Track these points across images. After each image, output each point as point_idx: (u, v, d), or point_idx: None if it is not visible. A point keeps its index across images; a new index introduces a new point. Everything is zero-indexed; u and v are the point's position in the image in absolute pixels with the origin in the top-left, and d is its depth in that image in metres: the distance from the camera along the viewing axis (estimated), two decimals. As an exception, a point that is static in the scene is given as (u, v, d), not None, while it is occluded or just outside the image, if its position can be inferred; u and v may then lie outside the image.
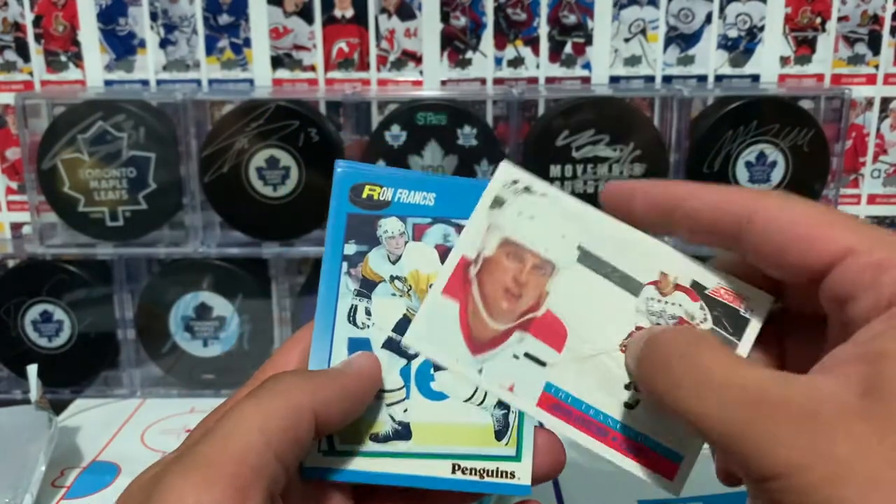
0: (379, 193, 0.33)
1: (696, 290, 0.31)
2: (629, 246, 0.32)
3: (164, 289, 0.71)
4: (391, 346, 0.33)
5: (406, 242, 0.33)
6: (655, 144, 0.66)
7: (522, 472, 0.32)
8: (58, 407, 0.67)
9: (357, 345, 0.32)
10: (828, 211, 0.26)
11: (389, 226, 0.33)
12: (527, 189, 0.32)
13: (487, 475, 0.32)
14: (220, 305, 0.71)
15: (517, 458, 0.32)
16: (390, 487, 0.32)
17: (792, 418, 0.22)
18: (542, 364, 0.32)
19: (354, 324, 0.33)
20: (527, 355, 0.32)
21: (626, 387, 0.31)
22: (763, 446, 0.22)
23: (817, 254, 0.25)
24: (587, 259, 0.32)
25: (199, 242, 0.68)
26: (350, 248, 0.33)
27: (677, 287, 0.32)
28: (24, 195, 0.74)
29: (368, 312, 0.33)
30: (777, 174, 0.68)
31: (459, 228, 0.33)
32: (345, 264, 0.33)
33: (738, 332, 0.31)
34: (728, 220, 0.28)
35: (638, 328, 0.31)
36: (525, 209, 0.32)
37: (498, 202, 0.32)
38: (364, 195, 0.33)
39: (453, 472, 0.32)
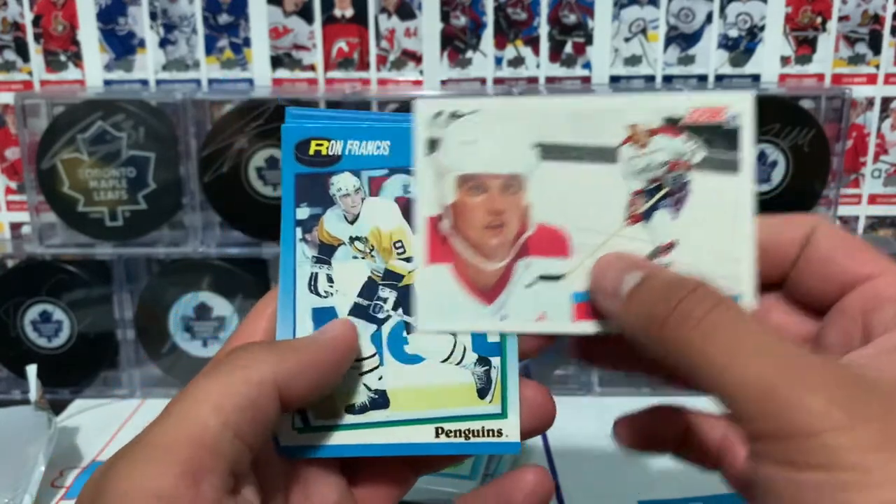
0: (327, 148, 0.30)
1: (672, 124, 0.29)
2: (584, 117, 0.29)
3: (164, 289, 0.70)
4: (358, 312, 0.31)
5: (363, 199, 0.31)
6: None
7: (510, 429, 0.30)
8: (57, 407, 0.67)
9: (321, 314, 0.30)
10: (858, 239, 0.31)
11: (343, 182, 0.30)
12: (454, 115, 0.29)
13: (473, 435, 0.30)
14: (220, 305, 0.71)
15: (503, 415, 0.30)
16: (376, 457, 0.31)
17: (839, 381, 0.22)
18: (559, 278, 0.30)
19: (316, 293, 0.31)
20: (540, 278, 0.30)
21: (652, 256, 0.29)
22: (804, 401, 0.21)
23: (861, 267, 0.29)
24: (550, 152, 0.29)
25: (198, 242, 0.68)
26: (303, 212, 0.30)
27: (652, 132, 0.29)
28: (23, 195, 0.74)
29: (330, 279, 0.31)
30: (777, 174, 0.68)
31: None
32: (299, 230, 0.30)
33: (733, 145, 0.29)
34: (788, 239, 0.30)
35: (636, 193, 0.29)
36: (463, 135, 0.29)
37: (433, 144, 0.30)
38: (311, 152, 0.30)
39: (437, 436, 0.30)
